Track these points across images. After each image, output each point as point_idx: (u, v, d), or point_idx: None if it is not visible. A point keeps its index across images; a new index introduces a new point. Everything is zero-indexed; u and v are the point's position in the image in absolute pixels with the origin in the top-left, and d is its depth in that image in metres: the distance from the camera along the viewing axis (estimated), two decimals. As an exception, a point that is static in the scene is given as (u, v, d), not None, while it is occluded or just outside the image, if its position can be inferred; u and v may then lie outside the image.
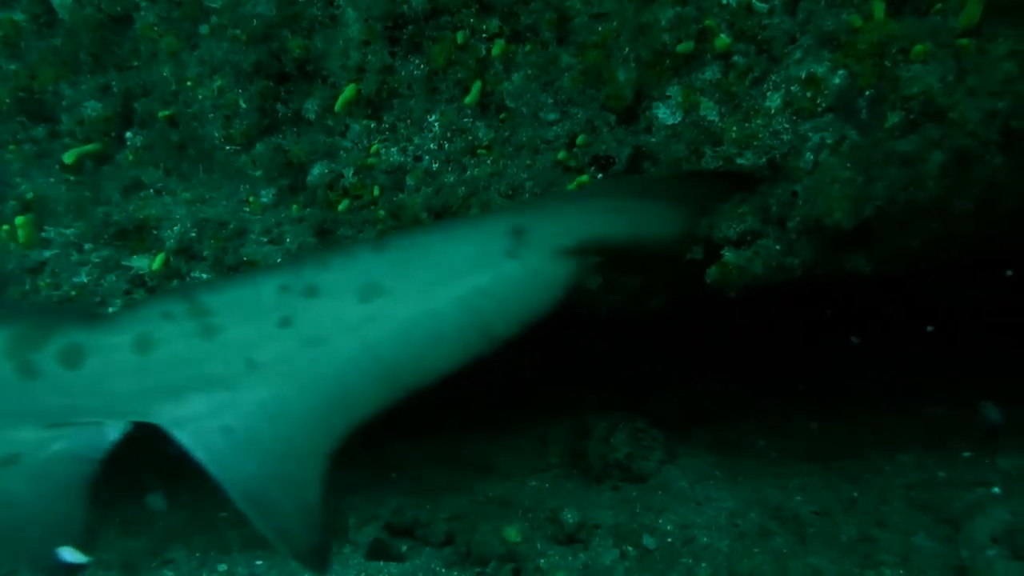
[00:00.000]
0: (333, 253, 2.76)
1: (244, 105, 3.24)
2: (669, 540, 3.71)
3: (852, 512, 3.69)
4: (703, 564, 3.54)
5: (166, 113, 3.32)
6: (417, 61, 3.18)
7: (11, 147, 3.46)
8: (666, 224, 2.89)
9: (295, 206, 3.32)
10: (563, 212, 2.64)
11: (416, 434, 4.64)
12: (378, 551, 3.78)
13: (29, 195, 3.43)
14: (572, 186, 3.14)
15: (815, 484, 3.95)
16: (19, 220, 3.41)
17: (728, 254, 3.15)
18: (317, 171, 3.27)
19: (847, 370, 4.87)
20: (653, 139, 3.08)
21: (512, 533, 3.79)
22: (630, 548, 3.69)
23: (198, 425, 2.66)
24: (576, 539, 3.79)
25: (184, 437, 2.64)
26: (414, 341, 2.61)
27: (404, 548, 3.84)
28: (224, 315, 2.58)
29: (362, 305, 2.58)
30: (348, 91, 3.16)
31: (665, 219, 2.89)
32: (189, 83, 3.26)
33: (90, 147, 3.43)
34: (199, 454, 2.65)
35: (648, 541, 3.72)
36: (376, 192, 3.29)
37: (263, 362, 2.62)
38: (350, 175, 3.24)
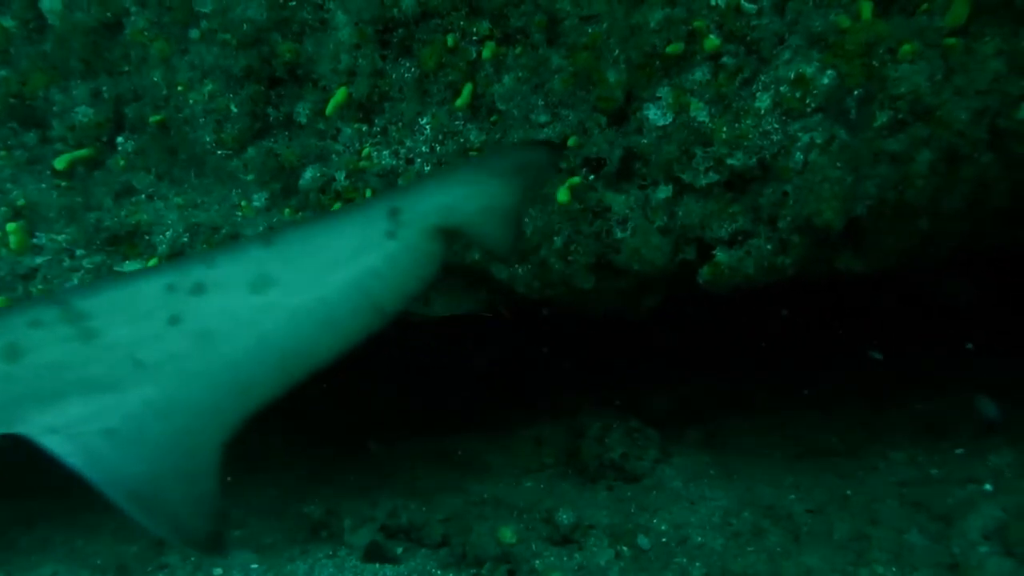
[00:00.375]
0: (219, 251, 2.81)
1: (235, 109, 3.25)
2: (664, 540, 3.71)
3: (845, 510, 3.69)
4: (697, 564, 3.53)
5: (157, 118, 3.32)
6: (408, 64, 3.19)
7: (1, 153, 3.45)
8: (509, 195, 2.84)
9: (287, 210, 3.33)
10: (429, 192, 2.68)
11: (409, 435, 4.65)
12: (374, 553, 3.76)
13: (20, 201, 3.42)
14: (563, 188, 3.14)
15: (808, 482, 3.95)
16: (10, 227, 3.40)
17: (720, 254, 3.17)
18: (309, 174, 3.28)
19: (839, 367, 4.90)
20: (644, 140, 3.09)
21: (507, 534, 3.78)
22: (625, 548, 3.69)
23: (75, 430, 2.67)
24: (571, 540, 3.78)
25: (56, 444, 2.65)
26: (308, 327, 2.68)
27: (400, 550, 3.82)
28: (104, 318, 2.59)
29: (254, 297, 2.62)
30: (339, 94, 3.17)
31: (507, 190, 2.84)
32: (180, 88, 3.26)
33: (82, 152, 3.43)
34: (74, 459, 2.65)
35: (643, 541, 3.71)
36: (368, 195, 3.30)
37: (151, 361, 2.61)
38: (342, 178, 3.24)
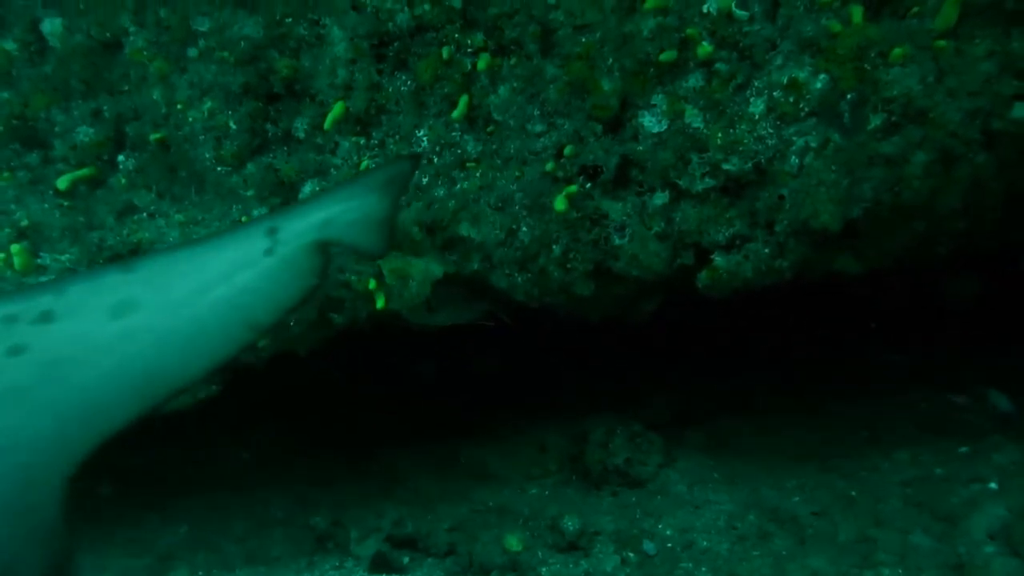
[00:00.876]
0: (68, 280, 2.75)
1: (234, 126, 3.26)
2: (669, 545, 3.71)
3: (850, 511, 3.69)
4: (703, 568, 3.54)
5: (157, 136, 3.33)
6: (404, 77, 3.21)
7: (5, 174, 3.49)
8: (381, 206, 2.90)
9: (287, 224, 3.35)
10: (307, 211, 2.74)
11: (413, 443, 4.67)
12: (380, 564, 3.80)
13: (24, 222, 3.44)
14: (561, 197, 3.16)
15: (812, 484, 3.94)
16: (14, 248, 3.42)
17: (718, 258, 3.18)
18: (308, 189, 3.30)
19: (839, 366, 4.90)
20: (640, 147, 3.11)
21: (513, 542, 3.78)
22: (631, 554, 3.69)
23: None
24: (577, 546, 3.78)
25: None
26: (175, 347, 2.68)
27: (406, 560, 3.85)
28: None
29: (114, 323, 2.61)
30: (336, 109, 3.18)
31: (380, 202, 2.90)
32: (179, 106, 3.28)
33: (83, 172, 3.44)
34: None
35: (648, 546, 3.71)
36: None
37: None
38: (341, 192, 3.25)
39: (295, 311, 2.89)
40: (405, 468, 4.53)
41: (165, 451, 4.67)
